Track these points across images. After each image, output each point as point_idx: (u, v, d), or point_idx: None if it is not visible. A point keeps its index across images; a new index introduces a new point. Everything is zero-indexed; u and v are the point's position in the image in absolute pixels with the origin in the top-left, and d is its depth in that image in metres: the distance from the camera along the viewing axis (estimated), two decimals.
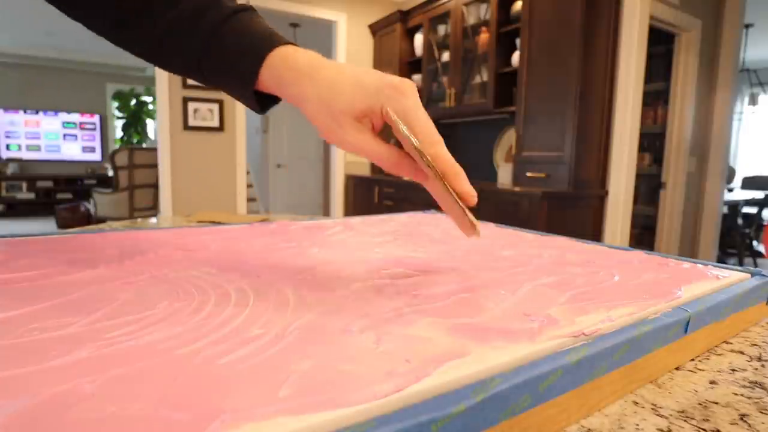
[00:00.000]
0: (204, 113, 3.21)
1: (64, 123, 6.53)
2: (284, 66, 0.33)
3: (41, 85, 6.36)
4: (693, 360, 0.29)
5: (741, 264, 3.66)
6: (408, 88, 0.32)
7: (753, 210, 3.97)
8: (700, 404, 0.24)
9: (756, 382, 0.26)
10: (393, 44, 3.65)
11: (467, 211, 0.30)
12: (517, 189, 2.32)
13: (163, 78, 3.07)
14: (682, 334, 0.28)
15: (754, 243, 3.94)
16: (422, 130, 0.31)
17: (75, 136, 6.64)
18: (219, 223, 0.79)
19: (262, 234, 0.53)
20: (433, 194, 0.35)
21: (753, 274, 0.39)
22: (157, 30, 0.36)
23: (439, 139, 0.31)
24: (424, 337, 0.23)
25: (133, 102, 6.55)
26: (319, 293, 0.30)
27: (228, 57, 0.35)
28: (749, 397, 0.24)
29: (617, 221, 2.34)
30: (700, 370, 0.28)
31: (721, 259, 3.76)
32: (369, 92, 0.32)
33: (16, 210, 6.03)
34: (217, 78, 0.36)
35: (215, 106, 3.24)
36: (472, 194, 0.32)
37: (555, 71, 2.30)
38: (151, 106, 6.56)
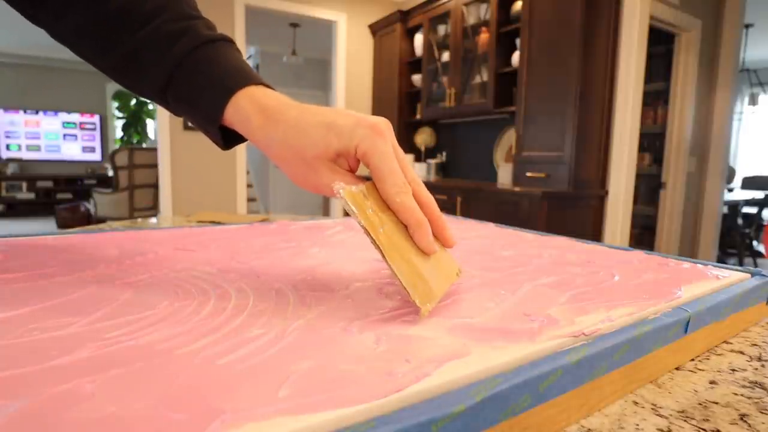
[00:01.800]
0: None
1: (64, 123, 6.53)
2: (251, 107, 0.32)
3: (41, 85, 6.36)
4: (693, 360, 0.29)
5: (741, 264, 3.66)
6: (385, 129, 0.30)
7: (753, 210, 3.97)
8: (700, 404, 0.24)
9: (756, 382, 0.26)
10: (393, 44, 3.65)
11: (425, 279, 0.27)
12: (517, 189, 2.32)
13: None
14: (682, 334, 0.28)
15: (754, 243, 3.94)
16: (392, 179, 0.29)
17: (75, 136, 6.64)
18: (219, 223, 0.79)
19: (262, 234, 0.53)
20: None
21: (753, 274, 0.39)
22: (126, 47, 0.34)
23: (408, 189, 0.29)
24: (424, 337, 0.23)
25: (133, 102, 6.55)
26: (319, 293, 0.30)
27: (194, 88, 0.33)
28: (749, 397, 0.24)
29: (617, 221, 2.34)
30: (700, 370, 0.28)
31: (721, 259, 3.76)
32: (343, 132, 0.29)
33: (16, 210, 6.03)
34: (183, 108, 0.35)
35: None
36: (429, 249, 0.29)
37: (555, 71, 2.30)
38: (151, 106, 6.56)
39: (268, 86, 0.34)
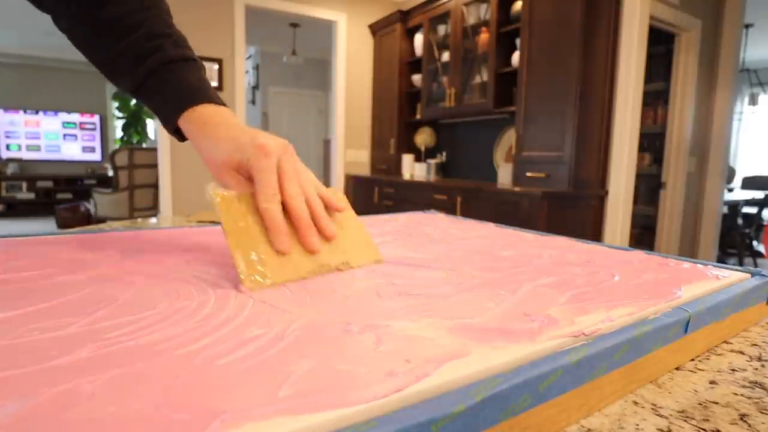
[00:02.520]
0: None
1: (64, 123, 6.53)
2: (194, 122, 0.41)
3: (41, 85, 6.36)
4: (693, 360, 0.29)
5: (741, 264, 3.66)
6: (272, 149, 0.36)
7: (753, 210, 3.97)
8: (700, 404, 0.24)
9: (756, 382, 0.26)
10: (393, 44, 3.64)
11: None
12: (517, 189, 2.32)
13: None
14: (682, 334, 0.28)
15: (754, 243, 3.94)
16: (263, 190, 0.35)
17: (75, 136, 6.64)
18: (219, 223, 0.79)
19: None
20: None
21: (753, 274, 0.39)
22: (109, 54, 0.42)
23: (275, 200, 0.35)
24: (424, 337, 0.23)
25: (133, 102, 6.55)
26: (319, 293, 0.30)
27: (157, 100, 0.42)
28: (749, 397, 0.24)
29: (617, 221, 2.34)
30: (700, 370, 0.28)
31: (721, 259, 3.75)
32: (241, 149, 0.37)
33: (16, 210, 6.03)
34: (149, 108, 0.44)
35: None
36: (280, 250, 0.34)
37: (555, 71, 2.30)
38: None
39: (221, 103, 0.42)
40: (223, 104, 0.43)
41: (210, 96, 0.42)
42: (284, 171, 0.37)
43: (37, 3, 0.44)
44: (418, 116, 3.55)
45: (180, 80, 0.42)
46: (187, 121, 0.41)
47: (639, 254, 0.46)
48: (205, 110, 0.41)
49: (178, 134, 0.44)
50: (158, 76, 0.41)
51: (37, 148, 6.43)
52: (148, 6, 0.43)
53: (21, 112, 6.26)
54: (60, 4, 0.43)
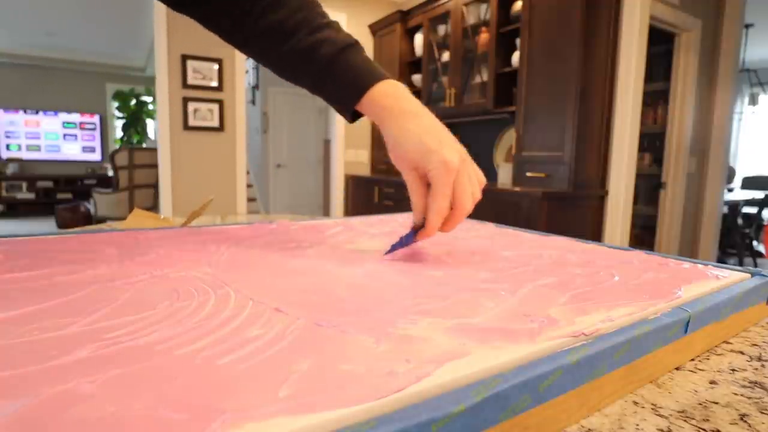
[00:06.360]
0: (204, 113, 3.21)
1: (64, 123, 6.54)
2: (375, 105, 0.44)
3: (41, 85, 6.36)
4: (693, 360, 0.29)
5: (741, 264, 3.66)
6: (454, 168, 0.39)
7: (753, 210, 3.97)
8: (700, 404, 0.24)
9: (756, 382, 0.26)
10: (393, 44, 3.64)
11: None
12: (517, 189, 2.32)
13: (163, 78, 3.07)
14: (682, 334, 0.28)
15: (754, 243, 3.94)
16: (436, 206, 0.40)
17: (75, 136, 6.65)
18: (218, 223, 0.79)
19: (262, 234, 0.53)
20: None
21: (753, 274, 0.39)
22: (278, 55, 0.46)
23: (445, 214, 0.41)
24: (424, 337, 0.23)
25: (133, 102, 6.55)
26: (319, 293, 0.30)
27: (335, 87, 0.45)
28: (749, 397, 0.24)
29: (617, 221, 2.34)
30: (700, 370, 0.28)
31: (721, 259, 3.75)
32: (425, 156, 0.40)
33: (16, 210, 6.03)
34: (328, 99, 0.47)
35: (215, 106, 3.24)
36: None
37: (555, 71, 2.30)
38: (151, 106, 6.56)
39: (389, 78, 0.45)
40: (390, 78, 0.46)
41: (381, 74, 0.45)
42: (460, 183, 0.41)
43: (199, 18, 0.47)
44: None
45: (350, 67, 0.44)
46: (369, 104, 0.44)
47: (639, 254, 0.46)
48: (382, 89, 0.44)
49: (353, 116, 0.47)
50: (331, 68, 0.44)
51: (37, 148, 6.43)
52: (302, 4, 0.46)
53: (21, 112, 6.26)
54: (222, 20, 0.46)
